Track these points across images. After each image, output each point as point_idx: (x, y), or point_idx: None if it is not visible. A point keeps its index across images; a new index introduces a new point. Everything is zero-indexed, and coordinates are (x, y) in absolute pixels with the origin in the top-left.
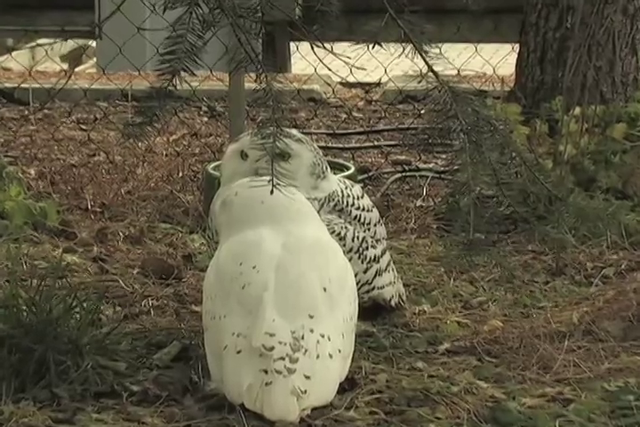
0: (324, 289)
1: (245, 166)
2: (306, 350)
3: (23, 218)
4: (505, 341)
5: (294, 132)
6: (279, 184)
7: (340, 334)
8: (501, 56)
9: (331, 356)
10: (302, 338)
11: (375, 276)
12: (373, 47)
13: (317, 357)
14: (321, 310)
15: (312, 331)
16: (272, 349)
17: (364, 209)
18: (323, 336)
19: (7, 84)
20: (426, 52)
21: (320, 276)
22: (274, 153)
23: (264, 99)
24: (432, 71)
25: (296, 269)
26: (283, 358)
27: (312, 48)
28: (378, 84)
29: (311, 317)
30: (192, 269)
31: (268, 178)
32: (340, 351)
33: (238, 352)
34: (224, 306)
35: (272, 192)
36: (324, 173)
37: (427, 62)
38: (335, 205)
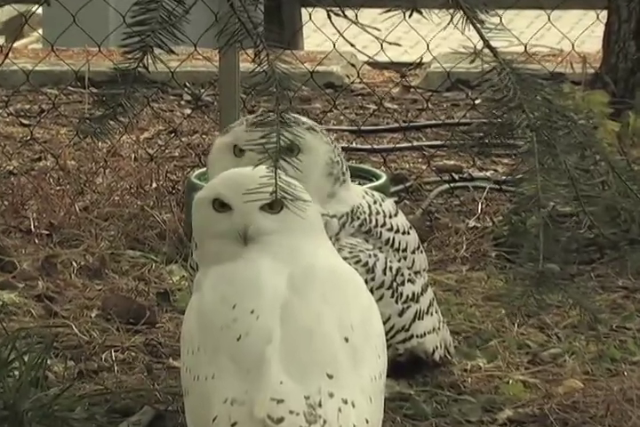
0: (346, 339)
1: (241, 166)
2: (324, 422)
3: None
4: (586, 407)
5: (305, 119)
6: (286, 192)
7: (368, 397)
8: (584, 27)
9: None
10: (319, 405)
11: (414, 320)
12: (410, 15)
13: None
14: (342, 366)
15: (332, 395)
16: (281, 420)
17: (398, 231)
18: (345, 402)
19: None
20: (481, 22)
21: (340, 321)
22: (279, 148)
23: (265, 84)
24: (489, 47)
25: (307, 314)
26: None
27: (329, 17)
28: (418, 64)
29: (330, 376)
30: (169, 312)
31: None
32: (367, 422)
33: (233, 425)
34: (211, 363)
35: (276, 206)
36: (343, 175)
37: (482, 35)
38: (361, 225)
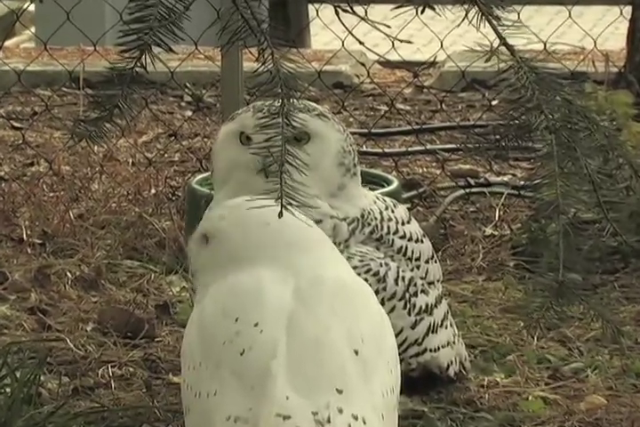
0: (356, 352)
1: (247, 155)
2: None
3: None
4: (609, 424)
5: (315, 105)
6: (292, 201)
7: (379, 414)
8: (607, 24)
9: None
10: (328, 421)
11: (427, 333)
12: (423, 11)
13: None
14: (352, 381)
15: (341, 411)
16: None
17: (411, 239)
18: (356, 418)
19: None
20: (498, 19)
21: (349, 333)
22: (284, 150)
23: (270, 84)
24: (506, 45)
25: (314, 326)
26: None
27: (337, 14)
28: (432, 63)
29: (339, 391)
30: (169, 325)
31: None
32: None
33: None
34: (213, 379)
35: (281, 214)
36: (355, 166)
37: (499, 33)
38: (372, 232)
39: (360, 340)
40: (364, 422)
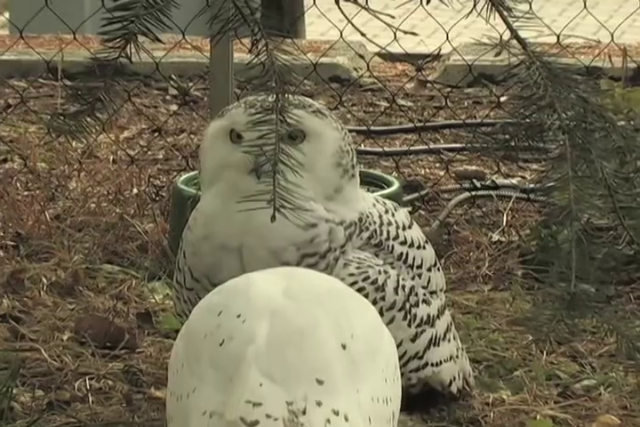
0: (343, 346)
1: (238, 154)
2: None
3: None
4: None
5: (312, 101)
6: (285, 203)
7: (366, 417)
8: (624, 15)
9: None
10: (303, 413)
11: (429, 346)
12: (428, 1)
13: None
14: (336, 374)
15: (319, 404)
16: (255, 424)
17: (412, 245)
18: (337, 413)
19: None
20: (508, 9)
21: (338, 327)
22: (278, 149)
23: (263, 78)
24: (516, 38)
25: (300, 317)
26: None
27: (336, 1)
28: (436, 56)
29: (320, 382)
30: (151, 335)
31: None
32: None
33: None
34: (193, 375)
35: (274, 217)
36: (353, 168)
37: (509, 24)
38: (370, 238)
39: (350, 336)
40: (346, 420)
